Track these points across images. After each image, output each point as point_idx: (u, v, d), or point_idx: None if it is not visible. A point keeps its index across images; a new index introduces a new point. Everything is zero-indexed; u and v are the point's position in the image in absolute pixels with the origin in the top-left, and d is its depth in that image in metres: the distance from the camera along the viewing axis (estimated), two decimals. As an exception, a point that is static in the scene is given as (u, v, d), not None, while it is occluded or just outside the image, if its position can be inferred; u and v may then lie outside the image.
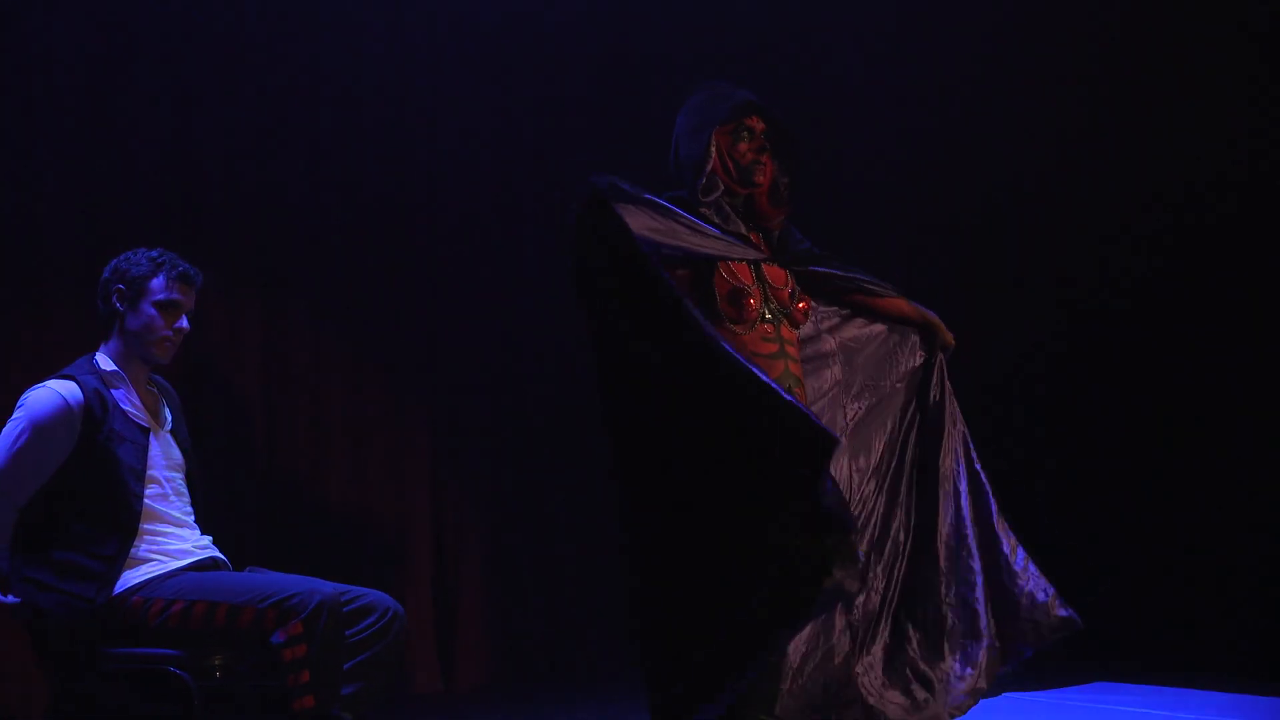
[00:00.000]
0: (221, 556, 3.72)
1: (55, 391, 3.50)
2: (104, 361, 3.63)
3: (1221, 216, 6.12)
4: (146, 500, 3.55)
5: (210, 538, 3.76)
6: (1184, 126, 6.15)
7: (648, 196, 3.28)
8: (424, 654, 5.99)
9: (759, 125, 3.50)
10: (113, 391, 3.57)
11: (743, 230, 3.53)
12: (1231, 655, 5.84)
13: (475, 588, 6.24)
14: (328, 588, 3.46)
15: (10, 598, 3.48)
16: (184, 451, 3.76)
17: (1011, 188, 6.61)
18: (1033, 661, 5.69)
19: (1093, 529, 6.52)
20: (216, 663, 3.53)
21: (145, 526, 3.55)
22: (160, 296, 3.62)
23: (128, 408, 3.58)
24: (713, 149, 3.46)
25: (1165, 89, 6.22)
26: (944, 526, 3.68)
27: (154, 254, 3.67)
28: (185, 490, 3.73)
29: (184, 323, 3.67)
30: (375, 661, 3.51)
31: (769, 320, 3.42)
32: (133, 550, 3.51)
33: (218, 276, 4.95)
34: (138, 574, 3.50)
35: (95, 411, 3.49)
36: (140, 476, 3.53)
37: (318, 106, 5.92)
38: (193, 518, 3.73)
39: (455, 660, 6.12)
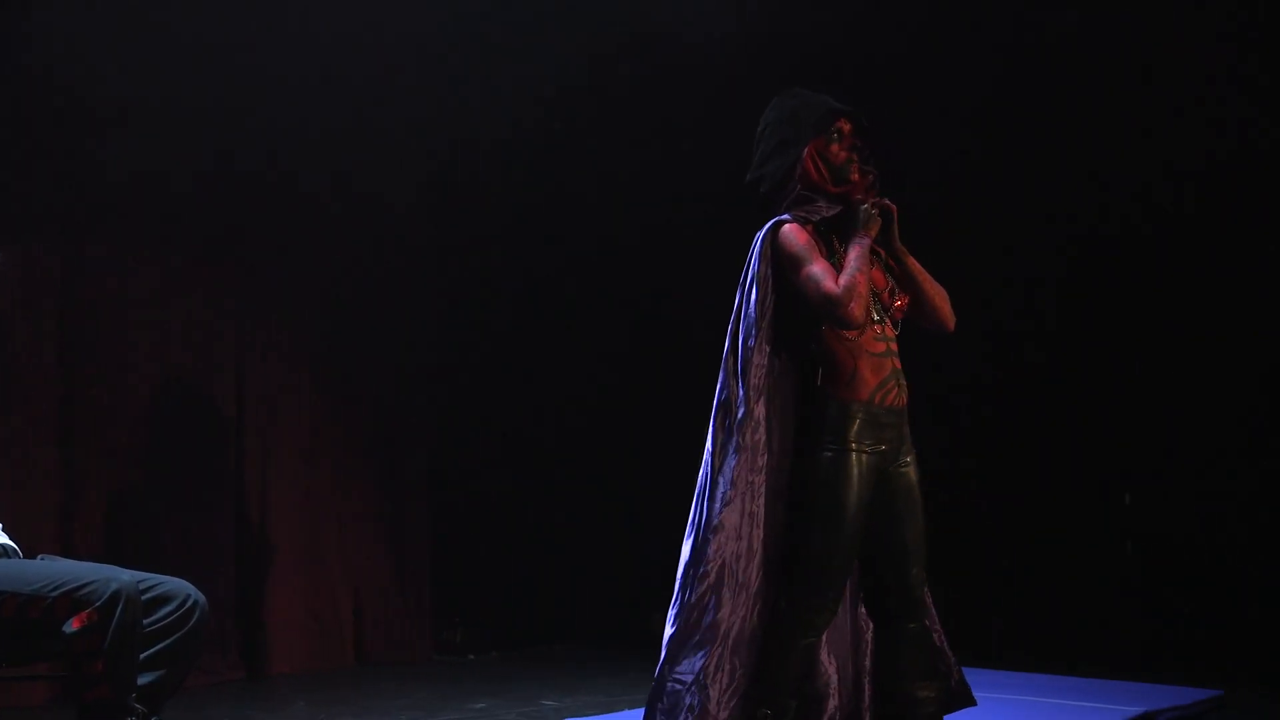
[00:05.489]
0: (11, 544, 3.60)
1: None
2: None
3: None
4: (-69, 486, 3.42)
5: None
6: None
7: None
8: (227, 641, 5.88)
9: (846, 126, 3.61)
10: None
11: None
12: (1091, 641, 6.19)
13: (282, 573, 6.15)
14: (124, 575, 3.36)
15: None
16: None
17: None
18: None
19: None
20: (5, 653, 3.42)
21: (-70, 513, 3.41)
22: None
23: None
24: (805, 160, 3.59)
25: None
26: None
27: None
28: (-28, 477, 3.59)
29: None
30: (174, 651, 3.43)
31: (877, 321, 3.53)
32: (-83, 539, 3.37)
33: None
34: (-78, 563, 3.36)
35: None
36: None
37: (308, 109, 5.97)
38: (-19, 505, 3.59)
39: (261, 647, 6.02)
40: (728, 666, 3.42)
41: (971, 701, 3.74)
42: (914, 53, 6.52)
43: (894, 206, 3.62)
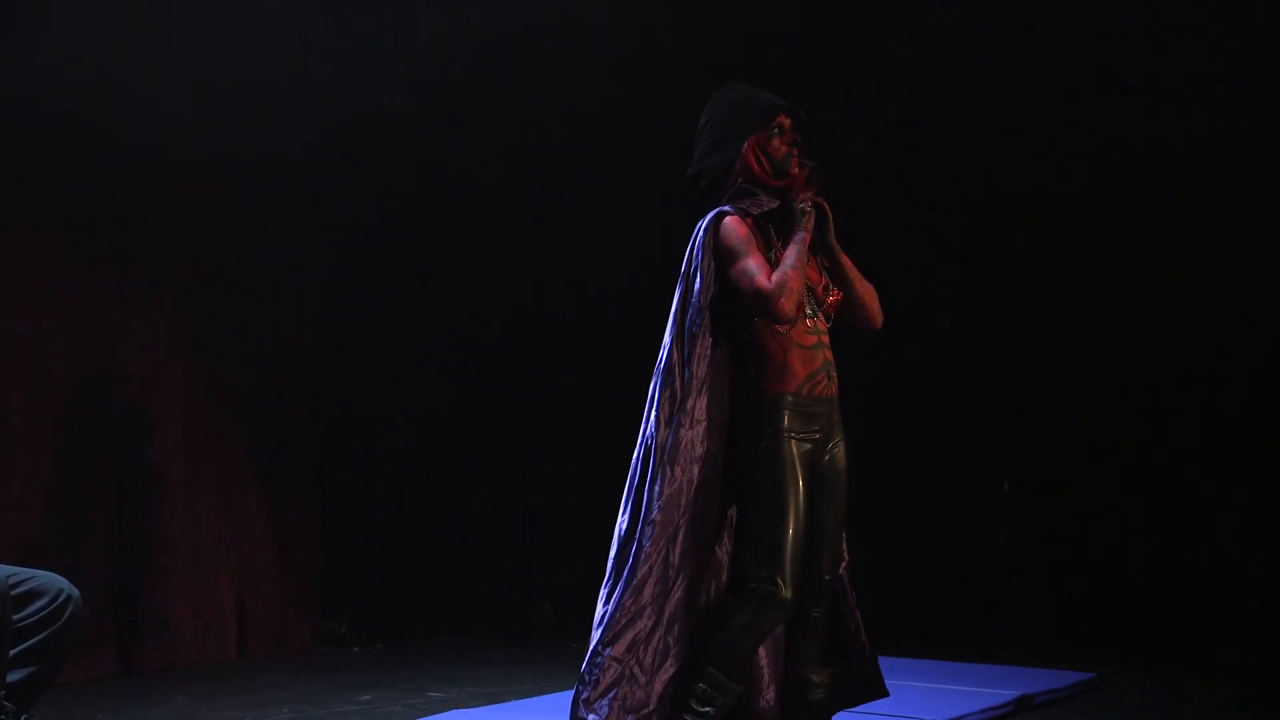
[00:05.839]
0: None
1: None
2: None
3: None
4: None
5: None
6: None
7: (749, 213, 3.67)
8: (103, 636, 5.76)
9: (786, 121, 3.72)
10: None
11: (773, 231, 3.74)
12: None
13: (160, 564, 6.04)
14: (-7, 570, 3.29)
15: None
16: None
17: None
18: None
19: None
20: None
21: None
22: None
23: None
24: (747, 154, 3.69)
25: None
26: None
27: None
28: None
29: None
30: (45, 647, 3.38)
31: (809, 315, 3.65)
32: None
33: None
34: None
35: None
36: None
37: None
38: None
39: (138, 641, 5.91)
40: (660, 645, 3.54)
41: (883, 693, 3.81)
42: (806, 36, 6.61)
43: (828, 207, 3.70)
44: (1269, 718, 4.91)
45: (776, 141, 3.70)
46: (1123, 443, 6.39)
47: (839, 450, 3.70)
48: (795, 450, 3.57)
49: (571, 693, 3.59)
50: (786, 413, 3.59)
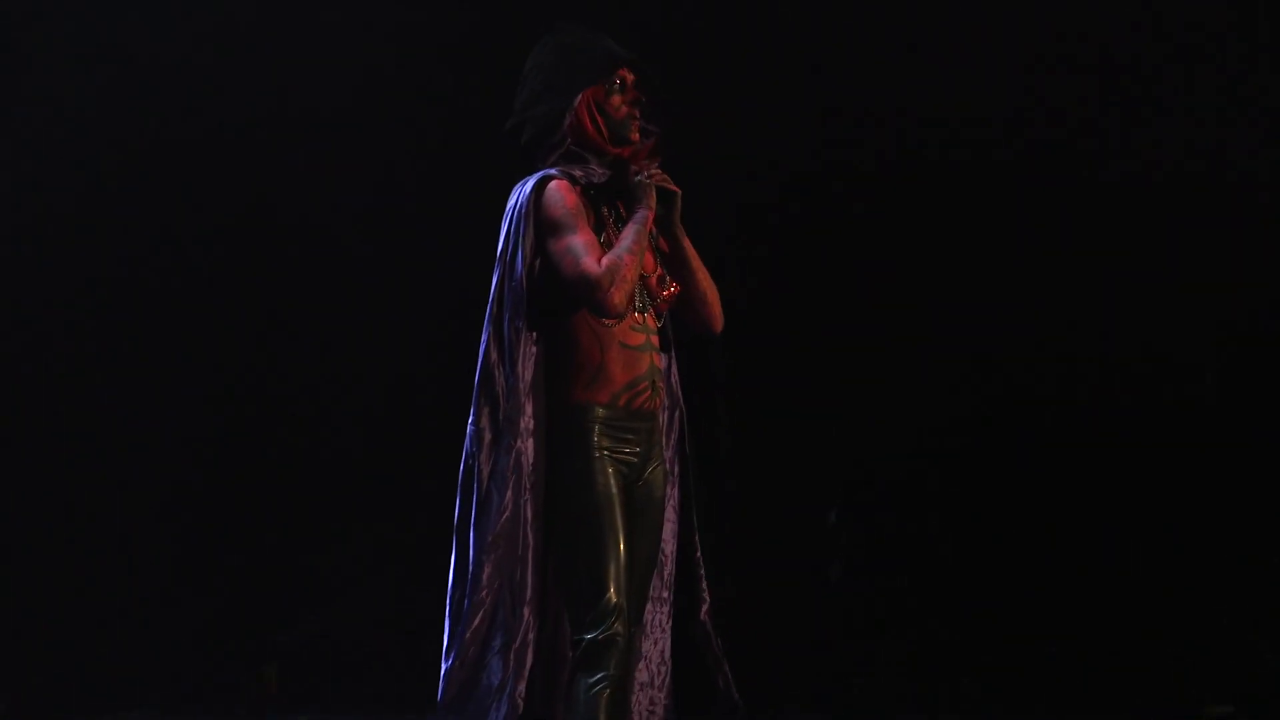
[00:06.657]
0: None
1: None
2: None
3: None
4: None
5: None
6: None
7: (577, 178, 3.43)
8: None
9: (630, 76, 3.45)
10: None
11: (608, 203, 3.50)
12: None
13: None
14: None
15: None
16: None
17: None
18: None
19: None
20: None
21: None
22: None
23: None
24: (580, 110, 3.40)
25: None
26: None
27: None
28: None
29: None
30: None
31: (638, 309, 3.40)
32: None
33: None
34: None
35: None
36: None
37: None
38: None
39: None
40: (512, 696, 3.30)
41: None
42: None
43: (676, 187, 3.44)
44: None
45: (617, 99, 3.42)
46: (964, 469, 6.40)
47: (656, 475, 3.42)
48: (610, 471, 3.33)
49: None
50: (597, 427, 3.32)
